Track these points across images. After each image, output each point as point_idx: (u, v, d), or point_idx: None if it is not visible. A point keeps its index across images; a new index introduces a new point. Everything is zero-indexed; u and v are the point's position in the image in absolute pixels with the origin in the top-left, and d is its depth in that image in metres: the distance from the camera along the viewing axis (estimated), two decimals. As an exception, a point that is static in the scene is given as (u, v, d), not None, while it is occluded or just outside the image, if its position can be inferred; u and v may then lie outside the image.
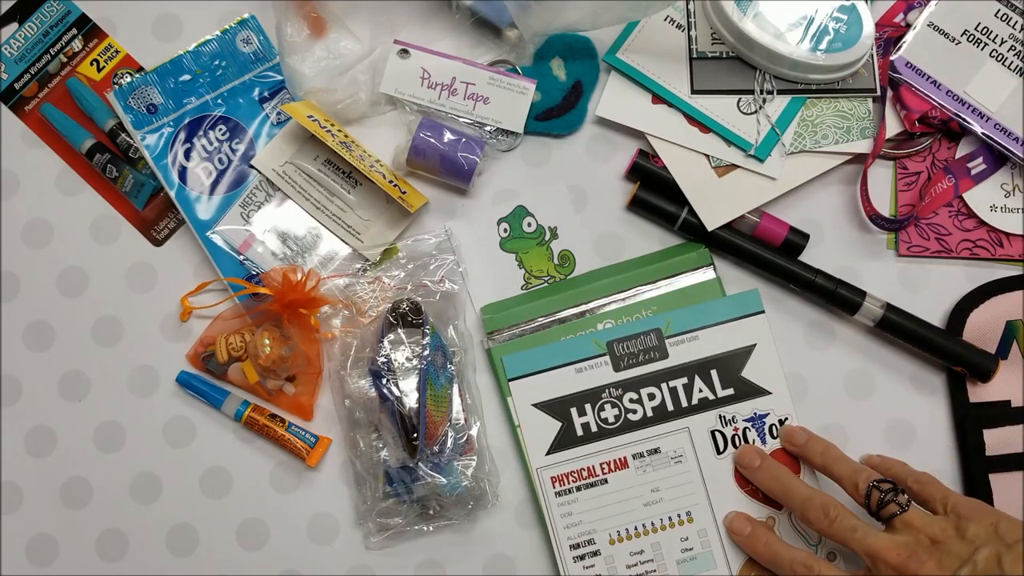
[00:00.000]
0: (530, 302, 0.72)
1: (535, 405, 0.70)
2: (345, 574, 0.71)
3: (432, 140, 0.71)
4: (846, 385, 0.72)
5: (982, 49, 0.72)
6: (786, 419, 0.70)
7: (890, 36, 0.73)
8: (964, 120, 0.72)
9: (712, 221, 0.71)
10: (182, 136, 0.73)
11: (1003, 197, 0.73)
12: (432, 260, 0.72)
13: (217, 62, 0.74)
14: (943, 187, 0.73)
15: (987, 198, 0.72)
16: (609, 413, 0.70)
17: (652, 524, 0.69)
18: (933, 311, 0.72)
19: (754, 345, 0.70)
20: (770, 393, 0.70)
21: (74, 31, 0.76)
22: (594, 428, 0.70)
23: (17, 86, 0.76)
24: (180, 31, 0.76)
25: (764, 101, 0.72)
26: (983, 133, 0.71)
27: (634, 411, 0.70)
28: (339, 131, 0.73)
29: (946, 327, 0.72)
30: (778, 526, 0.69)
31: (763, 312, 0.71)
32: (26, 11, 0.76)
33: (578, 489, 0.69)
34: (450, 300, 0.72)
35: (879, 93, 0.72)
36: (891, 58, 0.73)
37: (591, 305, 0.72)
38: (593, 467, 0.69)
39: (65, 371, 0.74)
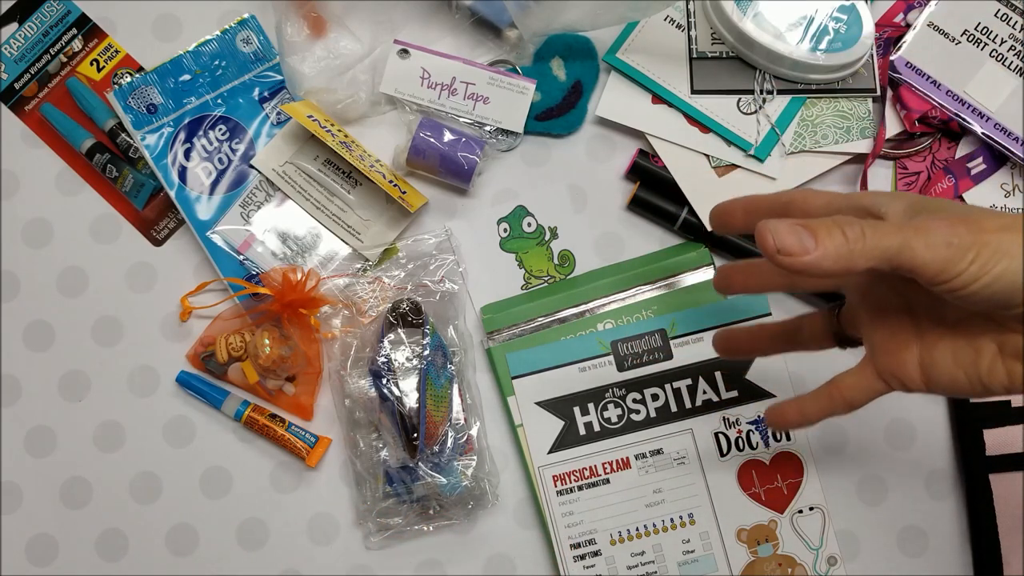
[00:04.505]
0: (530, 302, 0.72)
1: (538, 403, 0.70)
2: (345, 574, 0.71)
3: (432, 140, 0.71)
4: (846, 385, 0.72)
5: (982, 49, 0.72)
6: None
7: (890, 36, 0.73)
8: (964, 120, 0.72)
9: (712, 221, 0.71)
10: (182, 136, 0.73)
11: (1003, 197, 0.73)
12: (432, 260, 0.72)
13: (217, 62, 0.74)
14: (943, 187, 0.73)
15: (987, 198, 0.72)
16: (612, 413, 0.70)
17: (654, 525, 0.69)
18: (933, 311, 0.72)
19: (759, 347, 0.70)
20: (774, 396, 0.70)
21: (74, 31, 0.76)
22: (597, 428, 0.70)
23: (17, 86, 0.76)
24: (180, 31, 0.76)
25: (764, 101, 0.72)
26: (983, 133, 0.71)
27: (637, 411, 0.70)
28: (339, 131, 0.73)
29: (946, 327, 0.72)
30: (779, 529, 0.69)
31: (769, 315, 0.71)
32: (26, 11, 0.76)
33: (580, 488, 0.69)
34: (450, 300, 0.72)
35: (879, 93, 0.72)
36: (891, 58, 0.73)
37: (591, 305, 0.72)
38: (595, 467, 0.69)
39: (65, 371, 0.74)
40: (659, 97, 0.73)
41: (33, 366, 0.74)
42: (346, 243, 0.73)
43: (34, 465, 0.73)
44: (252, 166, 0.73)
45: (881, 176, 0.74)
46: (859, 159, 0.73)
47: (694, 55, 0.73)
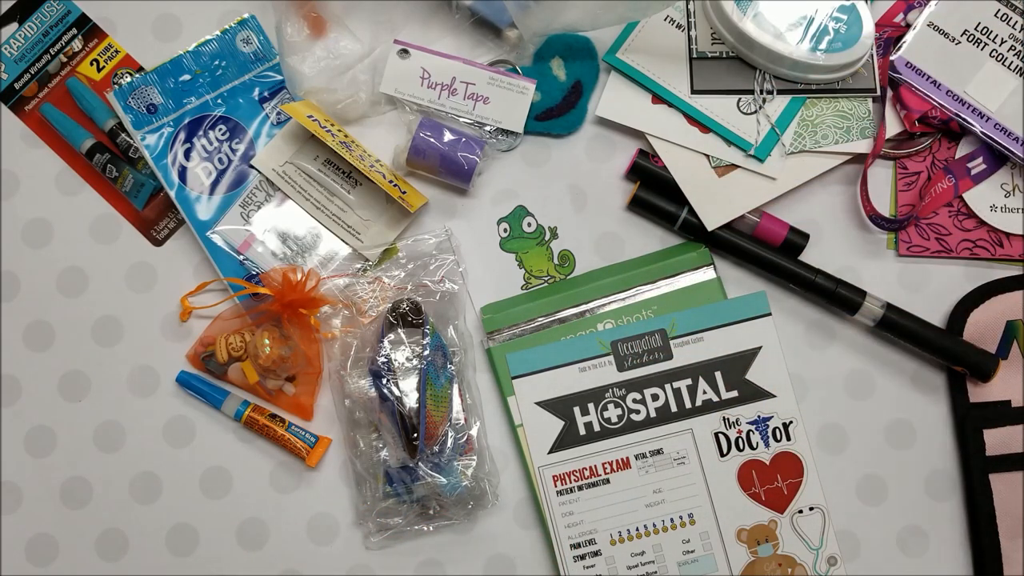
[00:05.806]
0: (530, 302, 0.72)
1: (538, 403, 0.70)
2: (345, 574, 0.71)
3: (432, 140, 0.71)
4: (846, 385, 0.72)
5: (982, 49, 0.72)
6: (790, 422, 0.70)
7: (890, 36, 0.73)
8: (964, 120, 0.72)
9: (712, 221, 0.71)
10: (182, 136, 0.73)
11: (1003, 197, 0.73)
12: (432, 260, 0.72)
13: (217, 62, 0.74)
14: (943, 187, 0.73)
15: (987, 198, 0.73)
16: (612, 413, 0.70)
17: (654, 525, 0.69)
18: (933, 311, 0.72)
19: (759, 347, 0.70)
20: (775, 396, 0.70)
21: (74, 31, 0.76)
22: (597, 428, 0.70)
23: (17, 86, 0.76)
24: (180, 31, 0.76)
25: (764, 101, 0.72)
26: (983, 133, 0.71)
27: (637, 411, 0.70)
28: (339, 131, 0.73)
29: (946, 327, 0.72)
30: (779, 529, 0.69)
31: (769, 315, 0.70)
32: (26, 11, 0.76)
33: (580, 488, 0.69)
34: (450, 300, 0.72)
35: (879, 93, 0.72)
36: (891, 58, 0.73)
37: (591, 305, 0.72)
38: (595, 467, 0.69)
39: (65, 371, 0.73)
40: (659, 97, 0.73)
41: (33, 366, 0.74)
42: (346, 243, 0.73)
43: (34, 465, 0.73)
44: (252, 166, 0.73)
45: (881, 176, 0.74)
46: (859, 159, 0.73)
47: (694, 55, 0.73)
